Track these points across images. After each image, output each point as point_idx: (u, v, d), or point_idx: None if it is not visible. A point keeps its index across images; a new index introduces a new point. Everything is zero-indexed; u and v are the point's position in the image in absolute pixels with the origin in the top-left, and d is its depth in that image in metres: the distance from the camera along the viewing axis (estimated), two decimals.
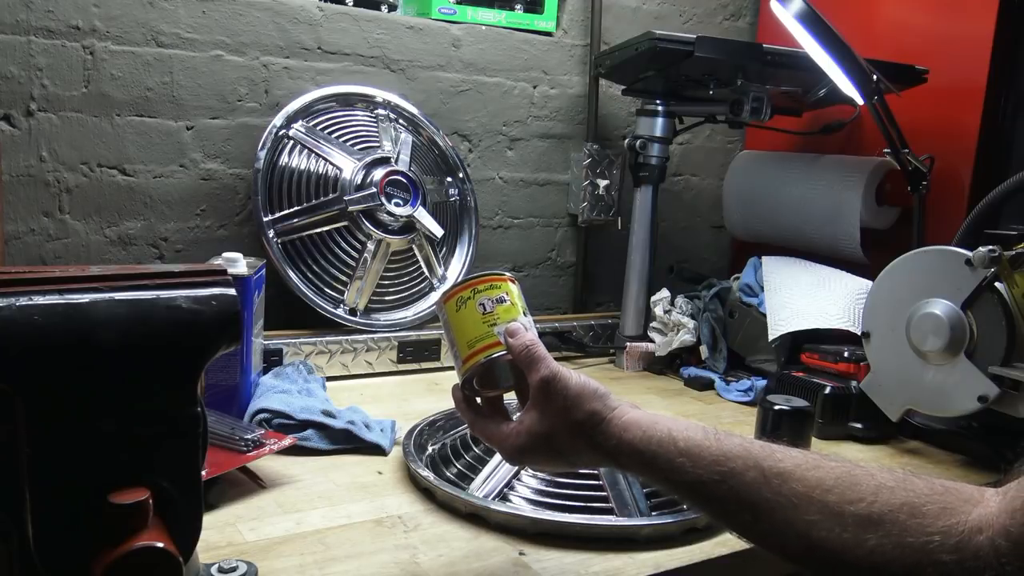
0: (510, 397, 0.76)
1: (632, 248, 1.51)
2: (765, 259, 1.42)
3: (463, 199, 1.47)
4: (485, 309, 0.71)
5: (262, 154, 1.26)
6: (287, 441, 0.92)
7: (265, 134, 1.27)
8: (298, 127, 1.30)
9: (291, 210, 1.27)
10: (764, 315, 1.32)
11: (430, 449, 0.99)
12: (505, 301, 0.72)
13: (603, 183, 1.61)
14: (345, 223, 1.29)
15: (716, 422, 1.21)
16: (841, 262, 1.38)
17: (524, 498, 0.86)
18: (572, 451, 0.66)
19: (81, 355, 0.52)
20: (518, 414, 0.71)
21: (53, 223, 1.20)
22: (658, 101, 1.45)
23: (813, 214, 1.44)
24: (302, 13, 1.33)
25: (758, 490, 0.57)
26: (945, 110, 1.34)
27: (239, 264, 1.03)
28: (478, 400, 0.74)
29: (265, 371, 1.16)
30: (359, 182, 1.29)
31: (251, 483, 0.88)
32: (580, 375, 0.68)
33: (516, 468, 0.87)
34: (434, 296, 1.40)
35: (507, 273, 0.74)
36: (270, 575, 0.70)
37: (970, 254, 0.99)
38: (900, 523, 0.52)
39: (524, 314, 0.73)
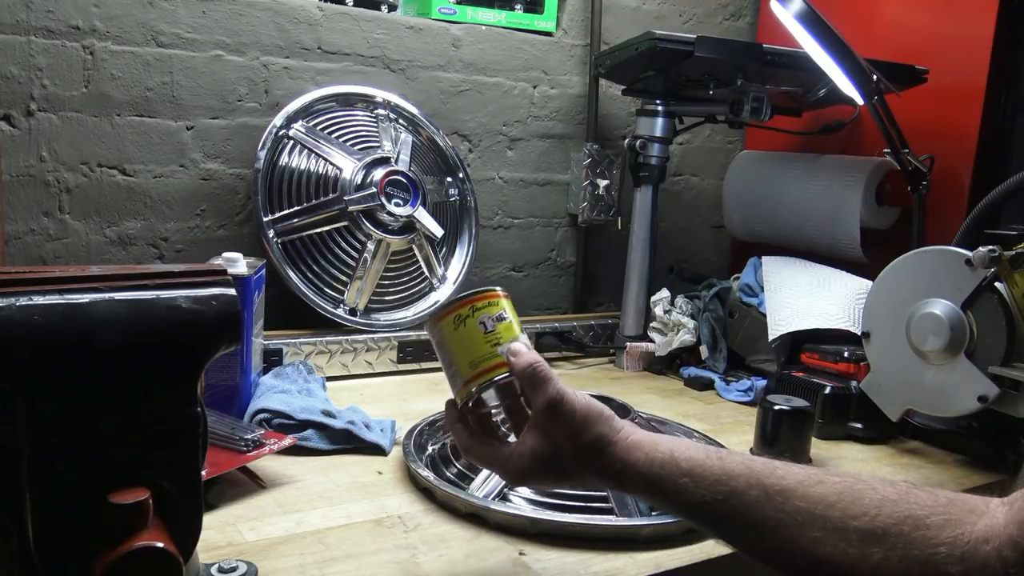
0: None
1: (632, 248, 1.51)
2: (765, 259, 1.42)
3: (463, 199, 1.47)
4: (487, 328, 0.69)
5: (262, 154, 1.26)
6: (287, 441, 0.92)
7: (265, 134, 1.27)
8: (298, 127, 1.30)
9: (291, 210, 1.27)
10: (764, 315, 1.32)
11: (430, 449, 0.99)
12: (505, 319, 0.71)
13: (603, 183, 1.61)
14: (345, 223, 1.29)
15: (716, 422, 1.21)
16: (841, 262, 1.38)
17: (524, 498, 0.86)
18: (577, 474, 0.66)
19: (81, 355, 0.52)
20: (512, 437, 0.70)
21: (53, 223, 1.20)
22: (658, 101, 1.45)
23: (813, 214, 1.44)
24: (302, 13, 1.33)
25: (761, 508, 0.57)
26: (945, 110, 1.34)
27: (239, 264, 1.03)
28: (469, 420, 0.74)
29: (265, 371, 1.16)
30: (359, 182, 1.29)
31: (251, 483, 0.88)
32: (584, 396, 0.67)
33: None
34: (434, 297, 1.40)
35: (499, 289, 0.73)
36: (270, 575, 0.70)
37: (970, 254, 0.99)
38: (904, 536, 0.52)
39: (522, 331, 0.72)
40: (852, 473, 0.58)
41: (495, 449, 0.70)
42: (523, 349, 0.69)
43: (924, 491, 0.54)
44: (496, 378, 0.69)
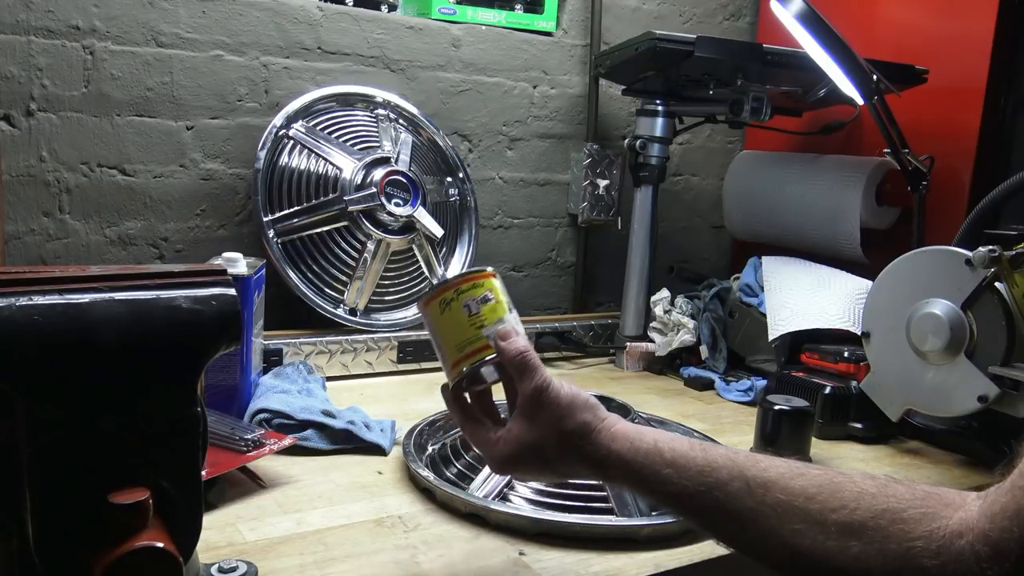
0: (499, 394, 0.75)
1: (632, 248, 1.51)
2: (765, 259, 1.42)
3: (463, 199, 1.47)
4: (471, 311, 0.70)
5: (262, 154, 1.26)
6: (287, 441, 0.92)
7: (265, 134, 1.27)
8: (298, 127, 1.30)
9: (291, 210, 1.27)
10: (764, 315, 1.32)
11: (430, 449, 0.99)
12: (490, 300, 0.71)
13: (603, 183, 1.61)
14: (345, 223, 1.29)
15: (716, 422, 1.21)
16: (841, 262, 1.38)
17: (524, 498, 0.86)
18: (561, 461, 0.66)
19: (81, 355, 0.52)
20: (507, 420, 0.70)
21: (53, 223, 1.20)
22: (658, 101, 1.45)
23: (813, 214, 1.44)
24: (302, 13, 1.33)
25: (742, 500, 0.58)
26: (945, 110, 1.34)
27: (239, 264, 1.03)
28: (467, 397, 0.74)
29: (265, 371, 1.16)
30: (359, 182, 1.29)
31: (251, 483, 0.88)
32: (571, 386, 0.68)
33: None
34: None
35: (488, 268, 0.73)
36: (270, 575, 0.70)
37: (970, 254, 0.99)
38: (882, 529, 0.52)
39: (510, 310, 0.72)
40: (834, 467, 0.59)
41: (486, 431, 0.70)
42: (511, 333, 0.69)
43: (903, 485, 0.55)
44: (479, 362, 0.69)
